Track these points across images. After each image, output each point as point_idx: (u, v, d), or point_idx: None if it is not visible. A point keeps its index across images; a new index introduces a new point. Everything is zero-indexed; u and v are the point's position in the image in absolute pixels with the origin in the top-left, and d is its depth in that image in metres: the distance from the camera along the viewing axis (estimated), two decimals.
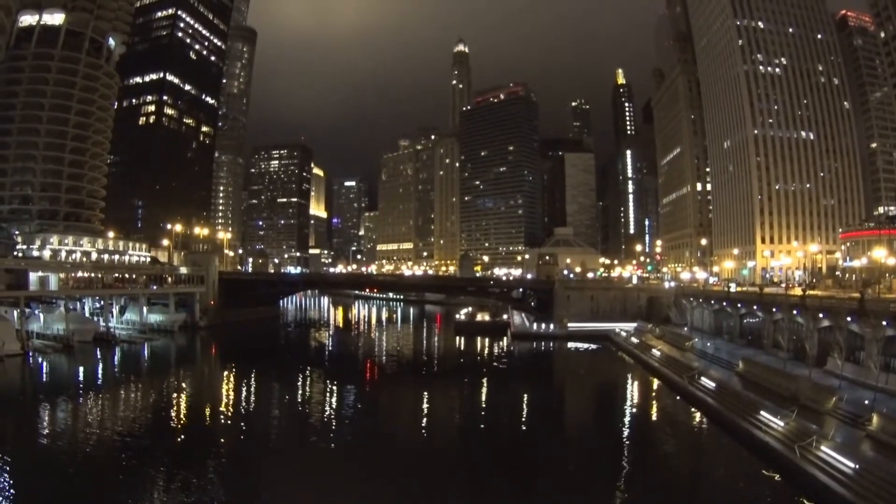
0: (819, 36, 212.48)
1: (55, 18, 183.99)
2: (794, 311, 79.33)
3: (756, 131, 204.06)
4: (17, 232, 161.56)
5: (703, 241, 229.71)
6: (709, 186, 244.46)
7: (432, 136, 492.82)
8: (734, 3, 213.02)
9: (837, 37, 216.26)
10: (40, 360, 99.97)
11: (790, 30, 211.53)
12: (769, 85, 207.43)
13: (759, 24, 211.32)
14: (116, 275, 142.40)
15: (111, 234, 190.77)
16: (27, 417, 65.21)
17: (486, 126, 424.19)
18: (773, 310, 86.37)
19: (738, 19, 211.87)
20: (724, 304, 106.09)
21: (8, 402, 73.47)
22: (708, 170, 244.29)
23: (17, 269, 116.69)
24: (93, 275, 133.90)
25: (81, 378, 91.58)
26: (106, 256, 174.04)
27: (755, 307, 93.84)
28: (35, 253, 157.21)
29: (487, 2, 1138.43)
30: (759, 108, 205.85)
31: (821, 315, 72.83)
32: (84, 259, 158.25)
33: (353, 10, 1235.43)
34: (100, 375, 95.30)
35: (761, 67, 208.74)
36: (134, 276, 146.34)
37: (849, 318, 67.19)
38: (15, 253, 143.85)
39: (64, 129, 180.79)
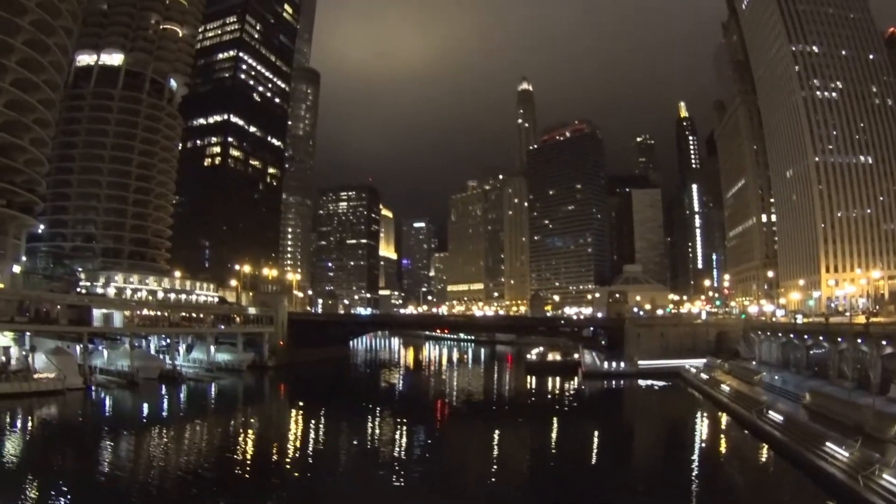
0: (871, 56, 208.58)
1: (114, 59, 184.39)
2: (859, 340, 78.58)
3: (817, 158, 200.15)
4: (79, 269, 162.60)
5: (770, 274, 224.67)
6: (774, 217, 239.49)
7: (500, 176, 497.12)
8: (788, 27, 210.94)
9: (888, 55, 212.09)
10: (103, 394, 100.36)
11: (843, 52, 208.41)
12: (827, 110, 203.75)
13: (814, 48, 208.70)
14: (183, 314, 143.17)
15: (178, 274, 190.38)
16: (89, 450, 65.54)
17: (552, 164, 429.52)
18: (839, 339, 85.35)
19: (793, 44, 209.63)
20: (791, 335, 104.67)
21: (70, 434, 74.56)
22: (772, 200, 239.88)
23: (80, 305, 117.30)
24: (159, 313, 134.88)
25: (146, 413, 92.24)
26: (172, 296, 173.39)
27: (821, 338, 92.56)
28: (99, 290, 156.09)
29: (550, 40, 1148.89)
30: (819, 135, 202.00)
31: (884, 342, 72.10)
32: (150, 297, 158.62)
33: (415, 50, 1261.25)
34: (165, 411, 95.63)
35: (818, 93, 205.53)
36: (201, 316, 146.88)
37: None
38: (78, 289, 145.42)
39: (127, 169, 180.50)
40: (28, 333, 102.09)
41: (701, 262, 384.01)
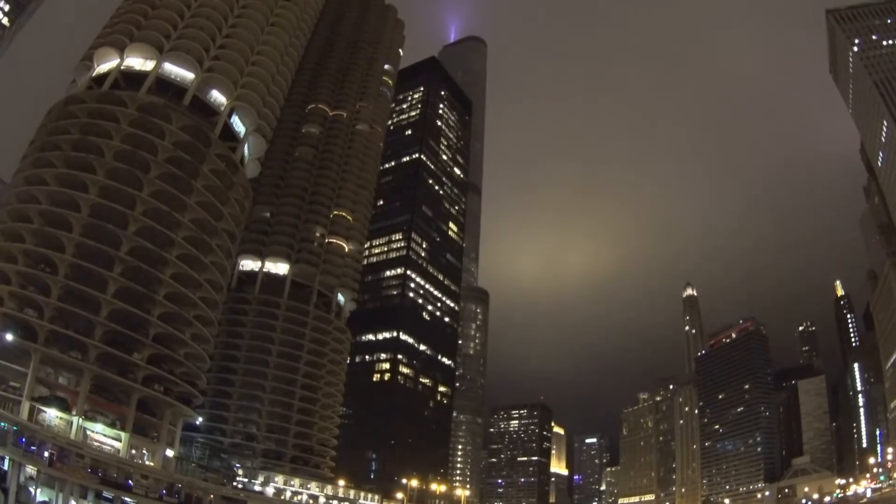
0: None
1: (279, 268, 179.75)
2: None
3: None
4: (237, 465, 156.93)
5: None
6: None
7: (670, 386, 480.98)
8: None
9: None
10: None
11: None
12: None
13: None
14: None
15: (342, 483, 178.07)
16: None
17: (720, 367, 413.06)
18: None
19: None
20: None
21: None
22: None
23: (235, 498, 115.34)
24: None
25: None
26: (335, 503, 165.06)
27: None
28: (257, 488, 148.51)
29: (711, 245, 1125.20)
30: None
31: None
32: (311, 502, 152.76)
33: (578, 266, 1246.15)
34: None
35: None
36: None
37: None
38: (235, 484, 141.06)
39: (293, 377, 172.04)
40: None
41: (865, 441, 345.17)
